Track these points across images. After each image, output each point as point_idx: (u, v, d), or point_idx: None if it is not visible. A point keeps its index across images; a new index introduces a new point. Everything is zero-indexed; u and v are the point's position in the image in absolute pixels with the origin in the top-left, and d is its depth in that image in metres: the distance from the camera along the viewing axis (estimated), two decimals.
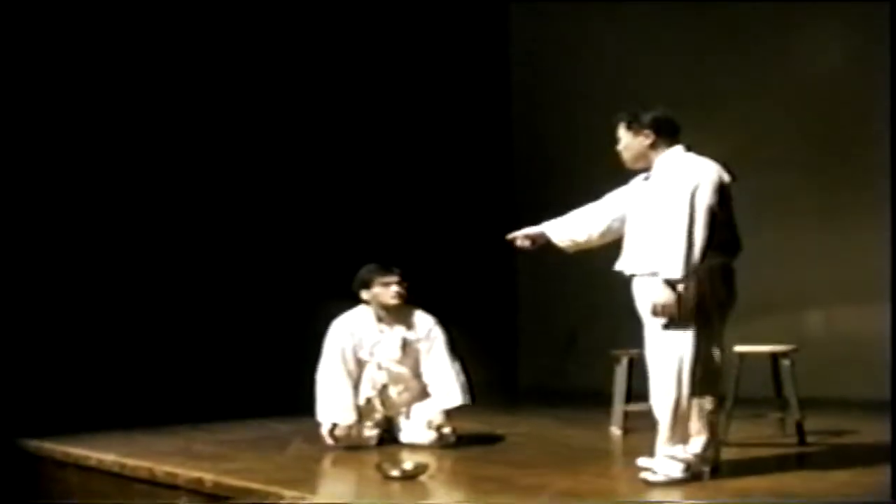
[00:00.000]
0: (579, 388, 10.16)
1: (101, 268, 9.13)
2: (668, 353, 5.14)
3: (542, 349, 11.84)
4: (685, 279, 5.03)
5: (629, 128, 5.47)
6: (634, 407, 7.05)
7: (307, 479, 5.85)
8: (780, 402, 6.95)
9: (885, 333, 9.36)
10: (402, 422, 7.03)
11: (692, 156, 5.35)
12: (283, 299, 9.91)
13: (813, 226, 9.74)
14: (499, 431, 7.44)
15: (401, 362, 7.00)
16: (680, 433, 5.16)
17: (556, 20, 11.69)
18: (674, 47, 10.65)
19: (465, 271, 11.08)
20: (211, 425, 8.23)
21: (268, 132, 10.26)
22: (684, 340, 5.13)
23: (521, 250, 6.04)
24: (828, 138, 9.79)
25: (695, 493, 4.97)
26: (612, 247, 5.67)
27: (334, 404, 6.86)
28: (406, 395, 7.03)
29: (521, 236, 5.96)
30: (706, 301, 5.18)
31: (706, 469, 5.23)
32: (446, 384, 6.93)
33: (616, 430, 7.30)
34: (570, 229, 5.87)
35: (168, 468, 6.10)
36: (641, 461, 5.63)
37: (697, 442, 5.21)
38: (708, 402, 5.22)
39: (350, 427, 6.83)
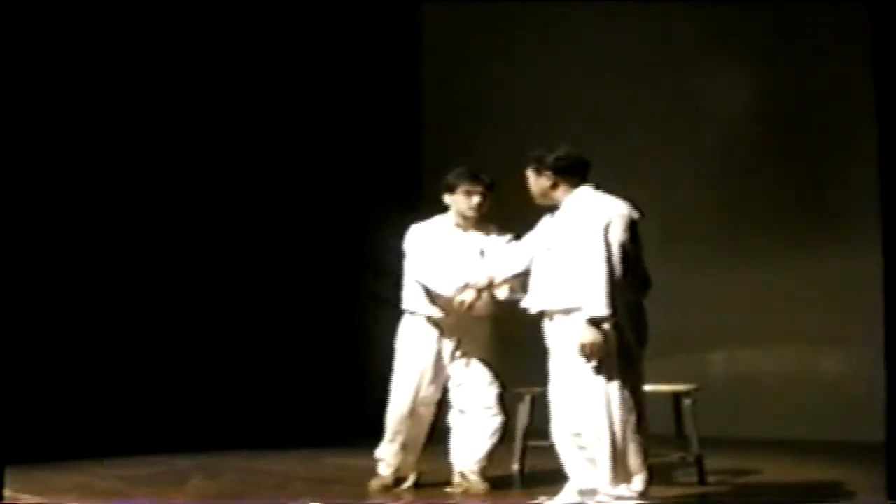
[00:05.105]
0: None
1: None
2: (594, 394, 5.14)
3: None
4: (611, 317, 5.07)
5: (534, 170, 5.53)
6: (536, 444, 7.03)
7: None
8: (681, 442, 7.00)
9: (786, 374, 9.59)
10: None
11: (601, 194, 5.40)
12: (185, 326, 9.77)
13: (716, 267, 9.86)
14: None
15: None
16: (622, 472, 5.16)
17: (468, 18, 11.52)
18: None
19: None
20: (114, 460, 8.09)
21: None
22: (611, 379, 5.15)
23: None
24: (732, 181, 9.95)
25: None
26: None
27: (442, 279, 6.28)
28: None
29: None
30: (626, 338, 5.21)
31: None
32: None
33: (516, 467, 7.29)
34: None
35: None
36: (541, 500, 5.65)
37: (639, 480, 5.22)
38: (641, 439, 5.23)
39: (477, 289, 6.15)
